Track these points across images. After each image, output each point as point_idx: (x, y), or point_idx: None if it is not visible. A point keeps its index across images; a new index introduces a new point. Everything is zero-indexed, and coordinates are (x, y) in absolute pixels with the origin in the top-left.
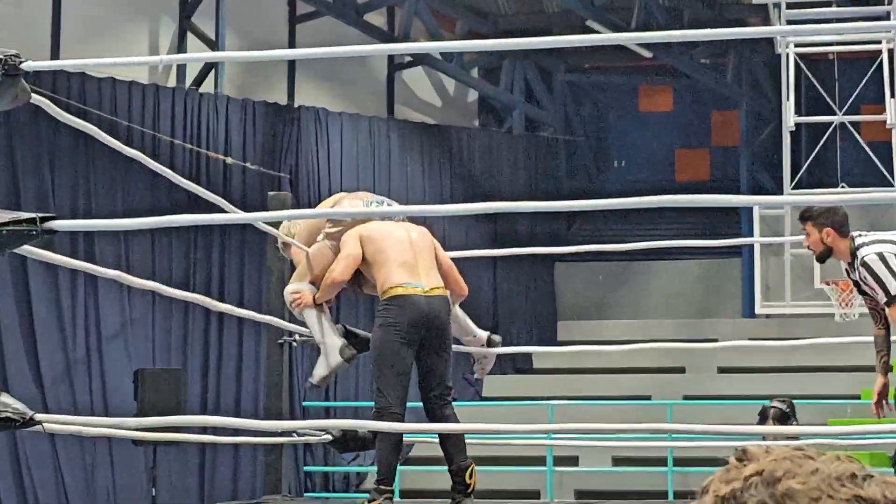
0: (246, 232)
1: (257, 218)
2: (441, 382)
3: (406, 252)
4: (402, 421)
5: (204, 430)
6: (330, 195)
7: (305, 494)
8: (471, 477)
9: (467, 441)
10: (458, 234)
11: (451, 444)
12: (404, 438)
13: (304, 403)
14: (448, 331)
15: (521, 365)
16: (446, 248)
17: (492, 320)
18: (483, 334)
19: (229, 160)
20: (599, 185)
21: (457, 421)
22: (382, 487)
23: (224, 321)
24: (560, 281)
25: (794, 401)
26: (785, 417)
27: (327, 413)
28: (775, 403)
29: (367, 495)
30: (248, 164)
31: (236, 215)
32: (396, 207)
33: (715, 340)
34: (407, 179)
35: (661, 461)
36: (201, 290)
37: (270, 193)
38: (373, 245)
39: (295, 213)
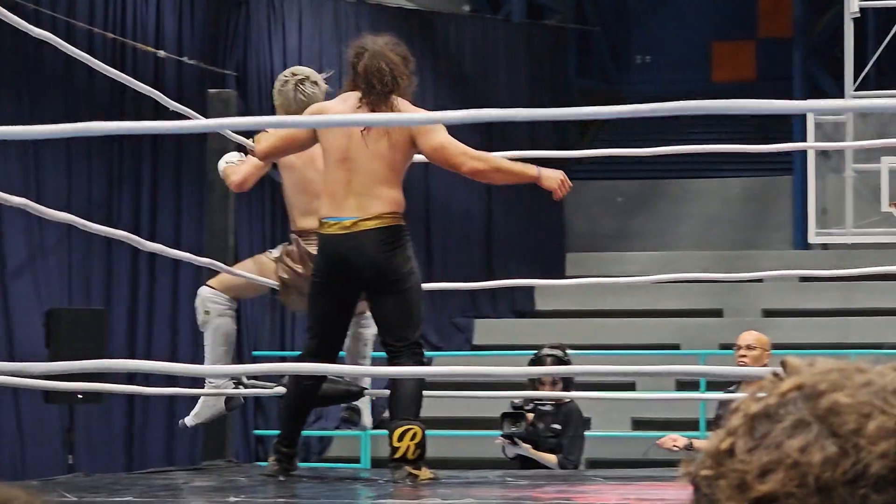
0: (183, 144)
1: (199, 127)
2: (387, 331)
3: (338, 167)
4: (315, 359)
5: (131, 380)
6: None
7: (257, 463)
8: (400, 440)
9: (450, 401)
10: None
11: (394, 400)
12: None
13: (255, 353)
14: (380, 269)
15: (521, 306)
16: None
17: (484, 254)
18: (363, 384)
19: (161, 53)
20: (618, 87)
21: (407, 375)
22: (277, 446)
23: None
24: (569, 203)
25: (854, 351)
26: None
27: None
28: (550, 351)
29: (330, 465)
30: (184, 59)
31: (169, 123)
32: (374, 116)
33: (760, 280)
34: None
35: (692, 424)
36: (128, 218)
37: (211, 91)
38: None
39: (252, 122)
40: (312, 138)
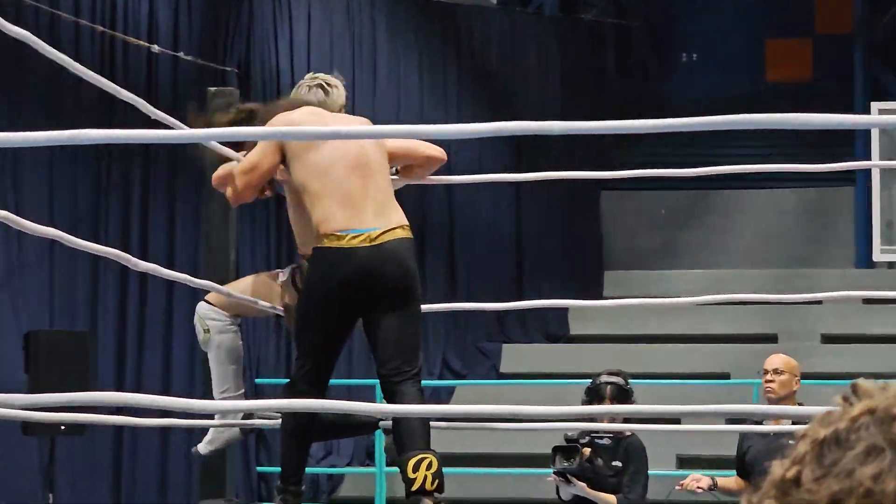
0: (178, 149)
1: (197, 137)
2: (397, 353)
3: (352, 174)
4: (303, 387)
5: (120, 408)
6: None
7: (259, 503)
8: (416, 471)
9: (474, 436)
10: (467, 150)
11: (402, 431)
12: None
13: (258, 381)
14: (409, 284)
15: (554, 330)
16: (451, 172)
17: (513, 271)
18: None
19: (155, 48)
20: (661, 88)
21: (418, 401)
22: (281, 486)
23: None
24: (608, 217)
25: None
26: (625, 395)
27: None
28: (609, 378)
29: None
30: (181, 55)
31: (162, 133)
32: (380, 128)
33: (819, 301)
34: (399, 79)
35: None
36: (116, 232)
37: (211, 90)
38: (303, 161)
39: (251, 133)
40: (278, 163)
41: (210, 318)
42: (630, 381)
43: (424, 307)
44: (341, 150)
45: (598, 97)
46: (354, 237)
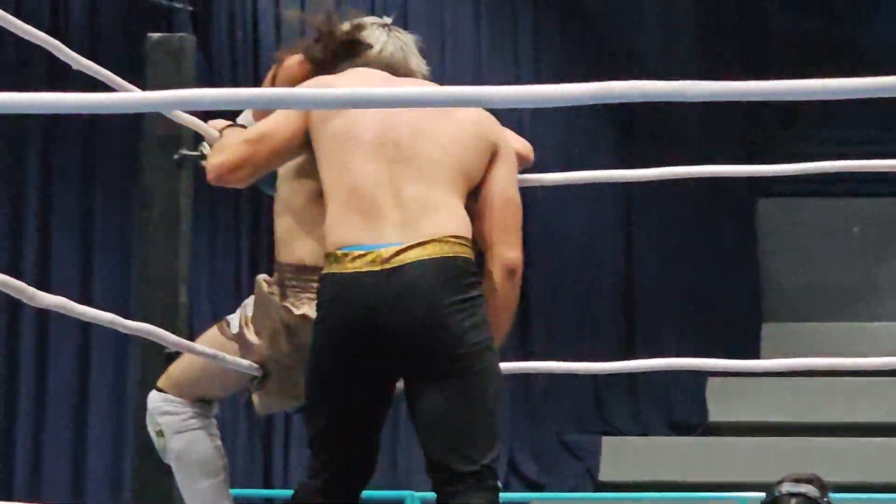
0: (96, 128)
1: (130, 104)
2: (445, 443)
3: (371, 159)
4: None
5: None
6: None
7: None
8: None
9: None
10: (548, 134)
11: None
12: None
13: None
14: (455, 336)
15: (682, 414)
16: (538, 169)
17: (620, 321)
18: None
19: None
20: (850, 30)
21: None
22: None
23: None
24: (768, 238)
25: None
26: None
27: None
28: (794, 488)
29: None
30: None
31: (73, 97)
32: (445, 89)
33: None
34: (442, 18)
35: None
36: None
37: (151, 36)
38: (320, 136)
39: (227, 94)
40: (301, 138)
41: (161, 413)
42: (829, 493)
43: None
44: (371, 121)
45: (753, 46)
46: (358, 256)
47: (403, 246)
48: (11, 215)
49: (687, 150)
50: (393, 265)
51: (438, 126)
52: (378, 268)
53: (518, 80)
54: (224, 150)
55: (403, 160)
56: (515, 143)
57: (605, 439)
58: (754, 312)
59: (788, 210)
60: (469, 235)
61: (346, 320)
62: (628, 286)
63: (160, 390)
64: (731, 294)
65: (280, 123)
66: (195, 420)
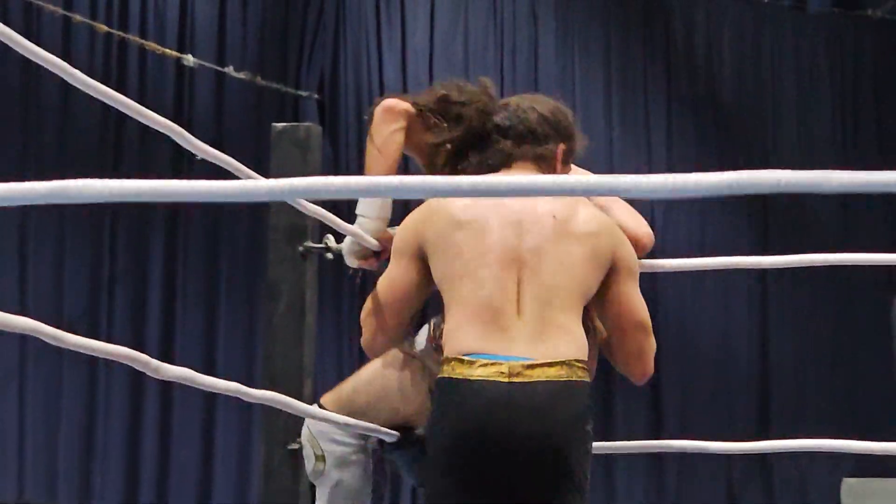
0: (222, 215)
1: (277, 193)
2: None
3: (504, 280)
4: None
5: None
6: None
7: None
8: None
9: None
10: (677, 220)
11: None
12: None
13: None
14: (577, 464)
15: None
16: (653, 254)
17: (755, 418)
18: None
19: (189, 59)
20: None
21: None
22: None
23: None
24: None
25: None
26: None
27: None
28: None
29: None
30: (228, 70)
31: (199, 185)
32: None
33: None
34: (574, 99)
35: None
36: (125, 324)
37: (276, 126)
38: (446, 258)
39: (357, 182)
40: (421, 278)
41: (328, 440)
42: None
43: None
44: (498, 237)
45: (893, 135)
46: (485, 364)
47: (532, 362)
48: (135, 297)
49: (818, 237)
50: (522, 379)
51: (559, 246)
52: (506, 379)
53: (650, 172)
54: (362, 323)
55: (527, 278)
56: (634, 228)
57: None
58: (891, 412)
59: None
60: (587, 359)
61: (470, 424)
62: (764, 365)
63: (324, 408)
64: (866, 392)
65: (394, 280)
66: (359, 455)
